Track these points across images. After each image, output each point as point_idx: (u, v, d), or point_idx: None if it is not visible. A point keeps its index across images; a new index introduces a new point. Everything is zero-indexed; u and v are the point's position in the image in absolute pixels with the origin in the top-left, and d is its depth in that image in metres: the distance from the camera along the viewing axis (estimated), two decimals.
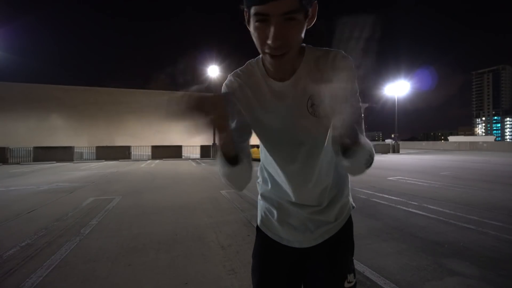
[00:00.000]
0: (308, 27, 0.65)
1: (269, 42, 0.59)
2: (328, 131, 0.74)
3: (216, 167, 0.73)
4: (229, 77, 0.79)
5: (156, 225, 3.64)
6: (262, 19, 0.58)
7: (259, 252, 0.90)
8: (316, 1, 0.64)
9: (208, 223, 3.70)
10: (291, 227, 0.83)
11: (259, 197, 0.92)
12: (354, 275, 0.83)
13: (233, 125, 0.76)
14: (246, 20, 0.65)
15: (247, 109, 0.76)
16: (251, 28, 0.62)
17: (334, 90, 0.68)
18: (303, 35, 0.63)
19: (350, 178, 0.88)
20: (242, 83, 0.76)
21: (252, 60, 0.77)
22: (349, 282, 0.80)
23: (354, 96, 0.70)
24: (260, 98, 0.75)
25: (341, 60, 0.70)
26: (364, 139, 0.65)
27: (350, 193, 0.89)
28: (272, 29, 0.57)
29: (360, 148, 0.60)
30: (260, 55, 0.73)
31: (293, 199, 0.81)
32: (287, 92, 0.72)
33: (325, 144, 0.75)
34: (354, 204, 0.91)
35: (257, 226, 0.92)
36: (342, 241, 0.84)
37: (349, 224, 0.86)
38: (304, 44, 0.72)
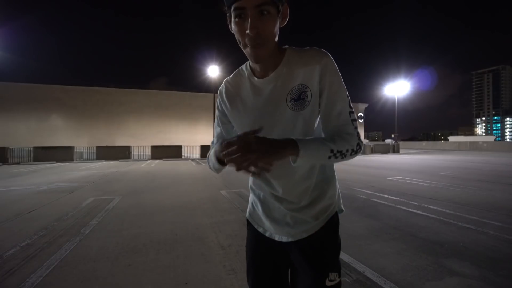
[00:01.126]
0: (282, 25, 0.75)
1: (247, 31, 0.67)
2: (308, 127, 0.79)
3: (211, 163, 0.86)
4: (223, 83, 0.91)
5: (156, 225, 3.64)
6: (240, 13, 0.67)
7: (248, 243, 0.96)
8: (287, 4, 0.74)
9: (208, 223, 3.70)
10: (273, 220, 0.87)
11: (249, 189, 0.97)
12: (339, 275, 0.83)
13: (220, 130, 0.96)
14: (229, 21, 0.74)
15: (233, 108, 0.87)
16: (233, 26, 0.72)
17: (317, 87, 0.78)
18: (276, 28, 0.71)
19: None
20: (230, 87, 0.88)
21: (243, 65, 0.88)
22: (331, 281, 0.81)
23: (337, 93, 0.77)
24: (243, 95, 0.85)
25: (320, 58, 0.76)
26: (340, 135, 0.75)
27: (337, 196, 0.89)
28: (249, 20, 0.66)
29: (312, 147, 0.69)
30: (248, 61, 0.83)
31: (273, 192, 0.86)
32: (266, 87, 0.80)
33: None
34: (343, 208, 0.92)
35: (246, 218, 0.98)
36: (323, 241, 0.85)
37: (332, 224, 0.87)
38: (286, 46, 0.81)
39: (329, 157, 0.71)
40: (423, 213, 4.02)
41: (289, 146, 0.67)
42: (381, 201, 4.83)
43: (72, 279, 2.19)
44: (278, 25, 0.72)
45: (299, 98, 0.77)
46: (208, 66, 21.39)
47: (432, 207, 4.39)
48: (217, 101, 0.94)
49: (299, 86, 0.76)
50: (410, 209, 4.26)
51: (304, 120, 0.78)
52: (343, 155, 0.73)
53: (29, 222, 3.77)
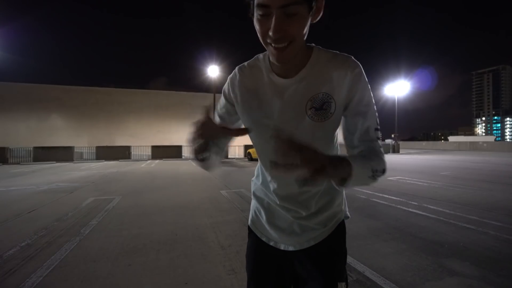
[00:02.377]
0: (313, 21, 0.63)
1: (270, 33, 0.58)
2: (328, 140, 0.73)
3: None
4: (235, 70, 0.79)
5: (156, 225, 3.64)
6: (264, 11, 0.57)
7: (249, 253, 0.90)
8: None
9: (208, 223, 3.70)
10: (278, 229, 0.82)
11: (252, 195, 0.92)
12: (346, 284, 0.80)
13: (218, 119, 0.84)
14: (251, 14, 0.64)
15: (245, 103, 0.76)
16: (255, 23, 0.62)
17: (344, 99, 0.70)
18: (306, 29, 0.61)
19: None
20: (244, 76, 0.76)
21: (260, 55, 0.77)
22: None
23: (367, 107, 0.69)
24: (259, 91, 0.74)
25: (351, 68, 0.68)
26: (369, 154, 0.66)
27: (344, 203, 0.86)
28: (273, 21, 0.57)
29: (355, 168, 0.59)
30: (267, 52, 0.72)
31: (278, 201, 0.80)
32: (287, 89, 0.71)
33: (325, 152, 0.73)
34: (348, 214, 0.89)
35: (248, 226, 0.92)
36: (333, 248, 0.81)
37: (340, 232, 0.83)
38: (313, 44, 0.72)
39: (369, 177, 0.63)
40: (423, 213, 4.02)
41: (343, 164, 0.58)
42: (381, 201, 4.83)
43: (72, 279, 2.19)
44: (308, 23, 0.61)
45: (321, 108, 0.69)
46: (208, 66, 21.38)
47: (432, 207, 4.39)
48: (225, 87, 0.81)
49: (323, 94, 0.68)
50: (410, 209, 4.26)
51: (324, 133, 0.71)
52: (377, 176, 0.64)
53: (29, 222, 3.77)
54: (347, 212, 0.88)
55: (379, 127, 0.72)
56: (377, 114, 0.72)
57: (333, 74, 0.68)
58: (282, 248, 0.82)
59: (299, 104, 0.70)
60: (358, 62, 0.69)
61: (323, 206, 0.79)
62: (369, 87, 0.71)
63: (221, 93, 0.86)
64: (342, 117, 0.73)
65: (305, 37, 0.63)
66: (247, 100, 0.75)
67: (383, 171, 0.66)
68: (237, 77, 0.77)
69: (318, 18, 0.64)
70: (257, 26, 0.61)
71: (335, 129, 0.73)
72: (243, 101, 0.76)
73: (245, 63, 0.78)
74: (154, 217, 4.04)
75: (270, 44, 0.61)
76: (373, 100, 0.71)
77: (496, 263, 2.38)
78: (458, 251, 2.64)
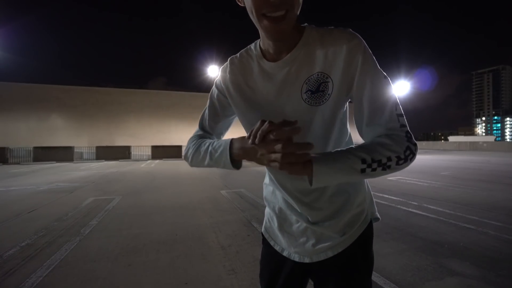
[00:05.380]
0: None
1: None
2: (328, 126, 0.65)
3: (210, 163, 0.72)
4: (227, 62, 0.76)
5: (156, 225, 3.63)
6: None
7: (263, 260, 0.85)
8: None
9: (208, 223, 3.70)
10: (291, 237, 0.75)
11: (264, 200, 0.86)
12: None
13: (210, 122, 0.82)
14: None
15: (236, 93, 0.72)
16: None
17: (344, 77, 0.61)
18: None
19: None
20: (234, 67, 0.73)
21: (252, 44, 0.73)
22: None
23: (374, 80, 0.60)
24: (250, 79, 0.70)
25: (348, 40, 0.59)
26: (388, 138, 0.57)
27: (369, 202, 0.76)
28: None
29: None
30: (259, 40, 0.69)
31: (286, 202, 0.75)
32: (278, 73, 0.65)
33: (323, 138, 0.66)
34: (378, 215, 0.78)
35: (261, 232, 0.87)
36: (356, 258, 0.71)
37: (364, 239, 0.72)
38: (306, 24, 0.65)
39: (363, 171, 0.54)
40: (423, 213, 4.02)
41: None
42: (381, 201, 4.82)
43: (72, 279, 2.19)
44: None
45: (318, 90, 0.62)
46: (208, 66, 21.39)
47: (432, 207, 4.39)
48: (218, 79, 0.78)
49: (318, 74, 0.61)
50: (410, 209, 4.26)
51: (322, 118, 0.64)
52: (385, 166, 0.55)
53: (29, 222, 3.77)
54: (376, 213, 0.77)
55: (397, 102, 0.61)
56: (392, 86, 0.62)
57: (328, 50, 0.60)
58: (297, 260, 0.74)
59: (293, 88, 0.64)
60: (357, 34, 0.60)
61: (339, 207, 0.70)
62: (374, 58, 0.61)
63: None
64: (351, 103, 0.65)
65: (299, 10, 0.58)
66: (240, 93, 0.72)
67: (400, 159, 0.55)
68: (228, 69, 0.74)
69: None
70: (249, 1, 0.56)
71: (335, 113, 0.64)
72: (237, 94, 0.72)
73: (237, 54, 0.75)
74: (154, 217, 4.04)
75: (265, 16, 0.55)
76: (383, 73, 0.61)
77: (496, 263, 2.38)
78: (458, 251, 2.64)
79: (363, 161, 0.54)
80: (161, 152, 19.11)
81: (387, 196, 5.28)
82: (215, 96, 0.79)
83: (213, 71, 20.97)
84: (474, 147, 29.48)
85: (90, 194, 5.84)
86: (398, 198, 5.06)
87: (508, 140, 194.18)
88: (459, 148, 31.03)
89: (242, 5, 0.61)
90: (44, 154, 16.57)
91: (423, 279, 2.13)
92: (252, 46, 0.72)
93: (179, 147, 19.65)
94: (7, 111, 23.14)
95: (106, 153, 18.03)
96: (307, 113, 0.64)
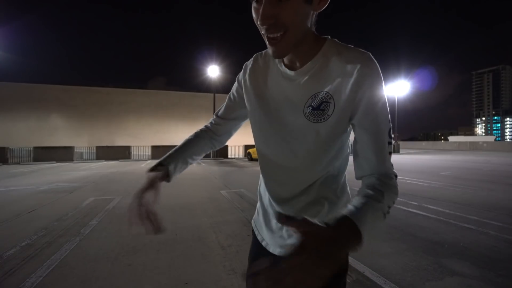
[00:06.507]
0: (317, 10, 0.57)
1: (258, 22, 0.53)
2: (322, 145, 0.64)
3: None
4: (252, 58, 0.78)
5: None
6: None
7: (250, 250, 0.90)
8: None
9: (208, 223, 3.70)
10: (270, 230, 0.79)
11: (257, 194, 0.91)
12: None
13: (228, 114, 0.87)
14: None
15: (252, 89, 0.74)
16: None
17: (347, 102, 0.60)
18: (303, 17, 0.55)
19: (347, 178, 0.76)
20: (256, 64, 0.75)
21: None
22: None
23: (378, 113, 0.58)
24: (267, 79, 0.71)
25: (361, 66, 0.57)
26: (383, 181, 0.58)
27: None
28: (262, 6, 0.52)
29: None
30: None
31: (269, 202, 0.78)
32: (291, 83, 0.65)
33: (314, 153, 0.66)
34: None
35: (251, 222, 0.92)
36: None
37: None
38: (328, 36, 0.64)
39: (384, 217, 0.53)
40: (423, 213, 4.02)
41: (350, 235, 0.42)
42: None
43: (72, 279, 2.19)
44: (307, 10, 0.54)
45: (319, 108, 0.62)
46: (208, 66, 21.39)
47: (432, 207, 4.39)
48: (239, 75, 0.80)
49: (324, 93, 0.61)
50: (410, 209, 4.26)
51: (317, 135, 0.63)
52: (389, 212, 0.55)
53: (29, 222, 3.77)
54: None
55: (391, 140, 0.61)
56: (391, 124, 0.61)
57: (339, 70, 0.59)
58: (271, 250, 0.78)
59: (299, 100, 0.64)
60: (375, 61, 0.58)
61: (312, 216, 0.67)
62: (384, 95, 0.59)
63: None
64: (352, 129, 0.64)
65: (308, 24, 0.57)
66: (254, 86, 0.73)
67: (394, 201, 0.57)
68: (251, 64, 0.76)
69: (324, 7, 0.57)
70: (253, 15, 0.56)
71: (333, 135, 0.63)
72: (250, 86, 0.74)
73: (262, 52, 0.75)
74: None
75: (265, 36, 0.56)
76: (388, 109, 0.60)
77: (496, 263, 2.38)
78: (458, 251, 2.64)
79: (384, 215, 0.53)
80: (161, 152, 19.08)
81: None
82: (234, 89, 0.83)
83: (213, 71, 20.97)
84: (474, 147, 29.48)
85: (90, 194, 5.84)
86: (398, 198, 5.05)
87: (508, 140, 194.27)
88: (459, 148, 31.03)
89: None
90: (44, 154, 16.57)
91: (423, 279, 2.13)
92: None
93: None
94: (7, 111, 23.13)
95: (106, 153, 18.03)
96: (304, 127, 0.64)
